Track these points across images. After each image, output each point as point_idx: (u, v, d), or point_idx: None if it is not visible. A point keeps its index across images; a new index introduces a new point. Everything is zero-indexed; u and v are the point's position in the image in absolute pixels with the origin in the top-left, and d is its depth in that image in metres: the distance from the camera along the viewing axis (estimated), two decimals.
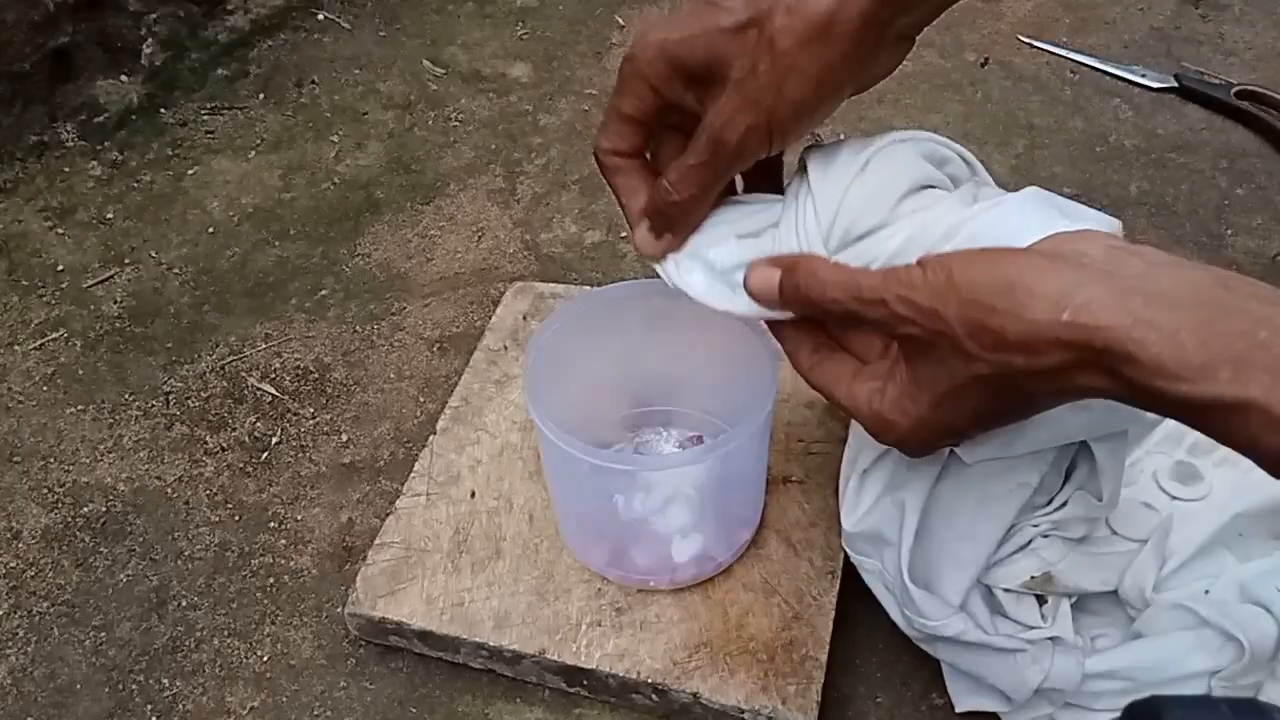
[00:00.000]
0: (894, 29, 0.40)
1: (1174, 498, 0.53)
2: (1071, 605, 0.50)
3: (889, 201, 0.43)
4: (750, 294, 0.44)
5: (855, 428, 0.50)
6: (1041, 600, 0.50)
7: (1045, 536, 0.48)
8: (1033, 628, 0.49)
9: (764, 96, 0.40)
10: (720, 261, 0.45)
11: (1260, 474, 0.54)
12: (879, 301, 0.38)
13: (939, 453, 0.46)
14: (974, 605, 0.50)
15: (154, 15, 1.02)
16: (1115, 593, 0.51)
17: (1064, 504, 0.48)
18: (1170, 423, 0.57)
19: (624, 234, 0.84)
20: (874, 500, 0.50)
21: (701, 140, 0.42)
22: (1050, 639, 0.49)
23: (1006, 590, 0.49)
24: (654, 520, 0.56)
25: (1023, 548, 0.49)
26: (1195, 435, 0.56)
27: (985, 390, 0.37)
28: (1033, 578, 0.49)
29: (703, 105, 0.42)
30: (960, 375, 0.37)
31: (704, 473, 0.54)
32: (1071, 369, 0.33)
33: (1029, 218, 0.40)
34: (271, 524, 0.66)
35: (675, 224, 0.45)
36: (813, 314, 0.43)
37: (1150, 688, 0.48)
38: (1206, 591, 0.49)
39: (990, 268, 0.35)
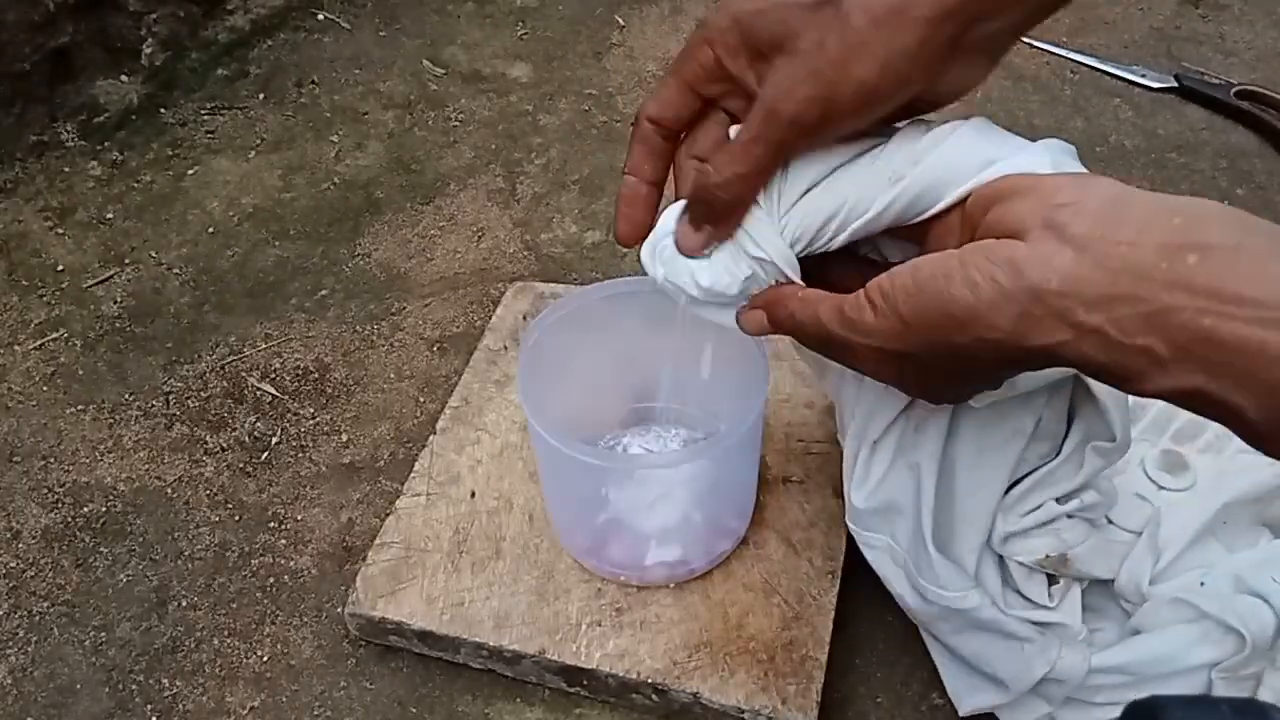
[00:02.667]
0: (972, 34, 0.39)
1: (1161, 488, 0.53)
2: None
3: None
4: (749, 333, 0.44)
5: (863, 398, 0.50)
6: (1052, 580, 0.50)
7: (1070, 517, 0.48)
8: (1040, 606, 0.49)
9: (828, 70, 0.38)
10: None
11: (1242, 460, 0.54)
12: (845, 344, 0.38)
13: (945, 408, 0.47)
14: (987, 574, 0.50)
15: (154, 15, 1.02)
16: (1110, 587, 0.51)
17: (1079, 463, 0.47)
18: (1154, 409, 0.58)
19: None
20: (885, 469, 0.49)
21: (756, 114, 0.40)
22: (1056, 626, 0.49)
23: (1020, 563, 0.49)
24: (633, 517, 0.56)
25: (1045, 524, 0.49)
26: (1179, 421, 0.57)
27: (984, 375, 0.38)
28: (1048, 556, 0.49)
29: (761, 84, 0.40)
30: (954, 377, 0.38)
31: (685, 475, 0.55)
32: (1049, 361, 0.34)
33: (984, 146, 0.39)
34: (271, 524, 0.66)
35: (718, 212, 0.42)
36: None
37: (1152, 681, 0.48)
38: (1202, 584, 0.49)
39: (938, 300, 0.34)
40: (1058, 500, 0.48)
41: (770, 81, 0.39)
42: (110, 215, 0.89)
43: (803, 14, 0.38)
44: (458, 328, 0.78)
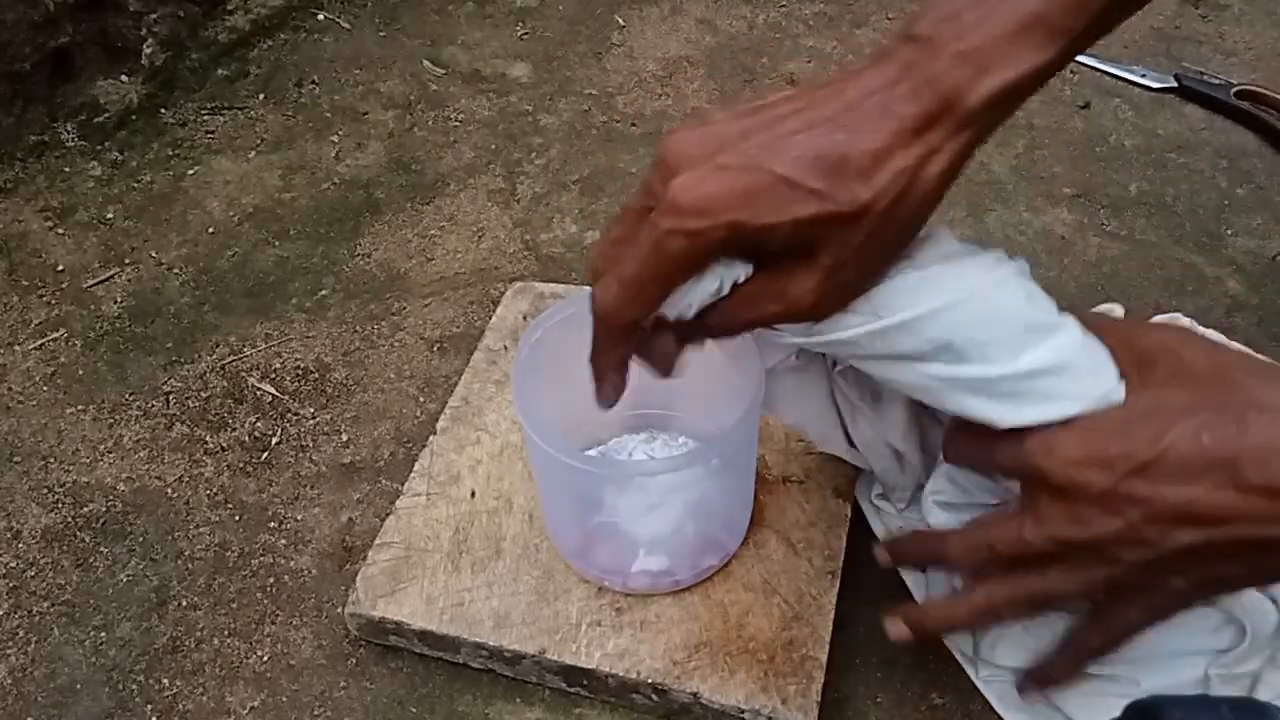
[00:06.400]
0: None
1: None
2: None
3: None
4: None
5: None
6: None
7: None
8: None
9: (856, 280, 0.40)
10: None
11: None
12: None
13: None
14: None
15: (154, 15, 1.02)
16: None
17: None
18: None
19: None
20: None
21: (773, 306, 0.41)
22: None
23: None
24: (628, 523, 0.56)
25: None
26: None
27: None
28: None
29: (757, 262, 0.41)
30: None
31: (682, 483, 0.54)
32: None
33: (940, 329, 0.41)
34: (271, 524, 0.66)
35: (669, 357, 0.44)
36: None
37: (1148, 662, 0.48)
38: None
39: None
40: None
41: (795, 284, 0.40)
42: (110, 215, 0.89)
43: (818, 228, 0.38)
44: (458, 328, 0.78)
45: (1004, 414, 0.41)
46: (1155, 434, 0.37)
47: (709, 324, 0.42)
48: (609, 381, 0.44)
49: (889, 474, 0.56)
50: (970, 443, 0.43)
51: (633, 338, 0.42)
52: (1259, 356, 0.39)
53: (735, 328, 0.42)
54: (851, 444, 0.55)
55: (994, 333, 0.41)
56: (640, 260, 0.39)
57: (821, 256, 0.38)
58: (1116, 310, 0.44)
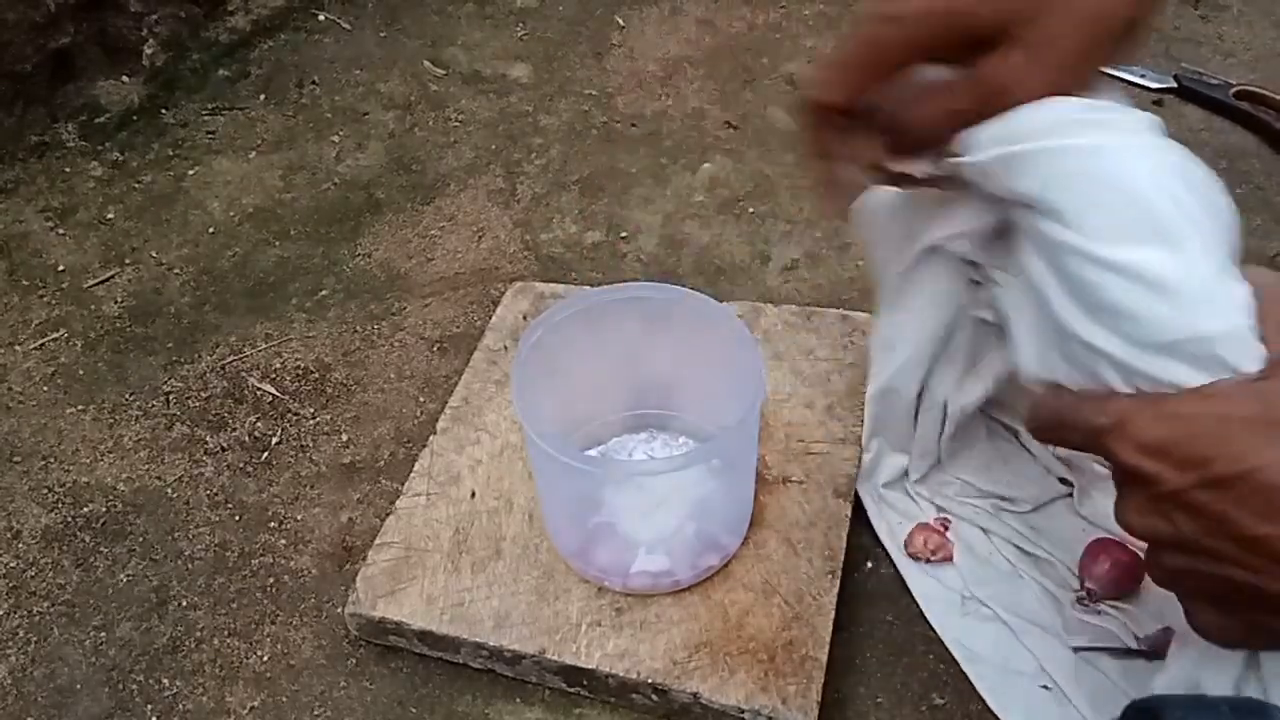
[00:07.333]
0: None
1: None
2: None
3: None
4: None
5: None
6: None
7: None
8: None
9: (1067, 62, 0.39)
10: None
11: None
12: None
13: None
14: None
15: (155, 16, 1.02)
16: None
17: None
18: None
19: (624, 234, 0.84)
20: None
21: (980, 89, 0.40)
22: None
23: None
24: (627, 523, 0.56)
25: None
26: None
27: None
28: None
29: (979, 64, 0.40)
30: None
31: (683, 483, 0.54)
32: None
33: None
34: (271, 524, 0.66)
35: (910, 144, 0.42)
36: None
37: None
38: None
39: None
40: None
41: (997, 64, 0.39)
42: (111, 215, 0.89)
43: (1032, 7, 0.38)
44: (458, 328, 0.78)
45: (1077, 318, 0.36)
46: (1245, 448, 0.32)
47: (910, 117, 0.41)
48: (821, 187, 0.44)
49: (926, 439, 0.57)
50: (1051, 408, 0.39)
51: (833, 127, 0.42)
52: None
53: (929, 119, 0.41)
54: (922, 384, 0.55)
55: (1103, 201, 0.36)
56: (849, 45, 0.41)
57: (1031, 33, 0.38)
58: None
